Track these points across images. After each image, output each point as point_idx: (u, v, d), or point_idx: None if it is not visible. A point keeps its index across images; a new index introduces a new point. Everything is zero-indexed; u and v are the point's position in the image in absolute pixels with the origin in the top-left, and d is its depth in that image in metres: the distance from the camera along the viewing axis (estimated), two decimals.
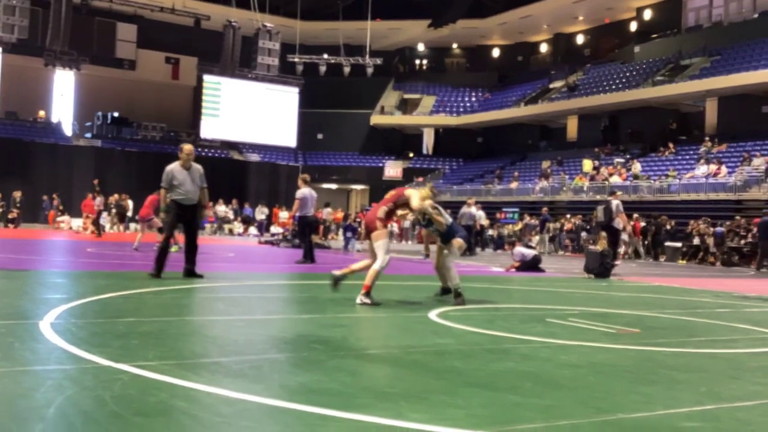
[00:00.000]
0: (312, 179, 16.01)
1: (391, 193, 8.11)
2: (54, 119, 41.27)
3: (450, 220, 8.34)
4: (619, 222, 16.29)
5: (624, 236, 26.27)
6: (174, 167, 9.57)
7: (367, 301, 7.46)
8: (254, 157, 45.08)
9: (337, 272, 7.76)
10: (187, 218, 9.64)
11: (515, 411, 3.46)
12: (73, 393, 3.39)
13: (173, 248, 15.59)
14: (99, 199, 24.09)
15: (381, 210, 7.89)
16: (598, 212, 16.74)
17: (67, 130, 41.02)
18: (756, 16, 34.50)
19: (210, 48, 42.20)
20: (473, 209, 22.69)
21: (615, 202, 16.29)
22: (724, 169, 28.24)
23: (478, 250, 22.22)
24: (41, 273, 9.89)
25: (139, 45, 43.74)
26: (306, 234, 15.33)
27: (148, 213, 16.71)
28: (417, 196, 7.96)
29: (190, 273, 9.71)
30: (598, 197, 31.57)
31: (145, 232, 16.80)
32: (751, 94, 31.62)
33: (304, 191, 14.74)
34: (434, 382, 4.04)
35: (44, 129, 39.53)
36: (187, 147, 9.69)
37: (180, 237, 16.90)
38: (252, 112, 44.18)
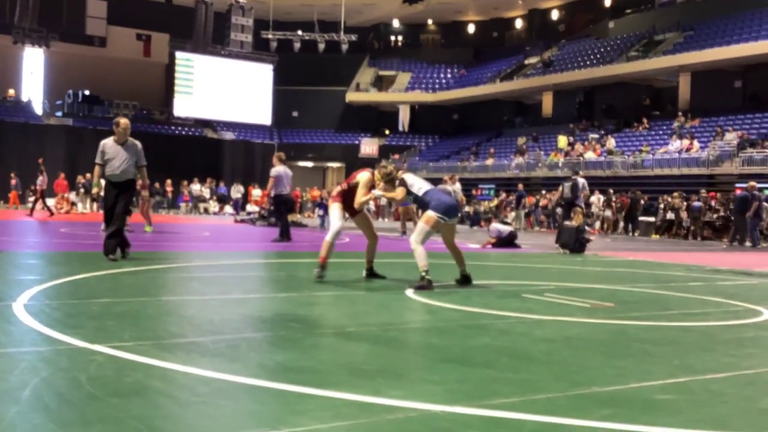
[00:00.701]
0: (287, 157, 15.96)
1: (353, 174, 7.99)
2: (24, 98, 40.61)
3: (426, 188, 7.73)
4: (582, 200, 16.70)
5: (608, 213, 26.53)
6: (107, 141, 9.14)
7: (319, 272, 7.48)
8: (229, 135, 44.74)
9: (363, 272, 8.11)
10: (118, 194, 9.09)
11: (491, 386, 3.49)
12: (48, 375, 3.36)
13: (148, 227, 15.52)
14: (41, 179, 23.71)
15: (335, 189, 8.09)
16: (565, 189, 16.94)
17: (38, 108, 40.38)
18: None
19: (182, 24, 41.66)
20: (448, 185, 22.73)
21: (581, 180, 16.61)
22: (696, 144, 28.53)
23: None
24: (13, 254, 9.77)
25: (109, 21, 43.00)
26: (282, 212, 15.28)
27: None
28: (363, 184, 7.65)
29: (120, 249, 9.14)
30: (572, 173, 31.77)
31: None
32: (723, 70, 31.91)
33: (279, 169, 14.68)
34: (411, 358, 4.07)
35: (14, 108, 38.88)
36: (123, 121, 9.21)
37: (153, 217, 16.86)
38: (226, 90, 43.78)
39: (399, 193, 7.62)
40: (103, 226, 10.28)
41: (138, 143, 9.26)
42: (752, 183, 20.37)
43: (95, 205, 30.70)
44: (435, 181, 24.32)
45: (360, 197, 7.62)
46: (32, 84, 41.65)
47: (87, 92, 41.41)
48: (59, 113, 40.57)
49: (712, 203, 24.15)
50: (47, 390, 3.11)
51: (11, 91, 40.06)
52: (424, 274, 7.19)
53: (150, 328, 4.66)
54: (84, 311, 5.17)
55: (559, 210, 27.71)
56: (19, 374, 3.34)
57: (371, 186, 7.70)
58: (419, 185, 7.73)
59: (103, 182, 9.34)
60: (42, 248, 11.44)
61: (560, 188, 17.79)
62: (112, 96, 42.19)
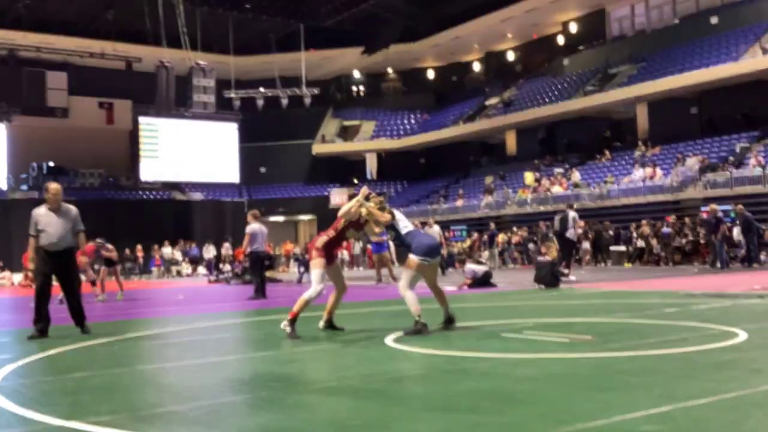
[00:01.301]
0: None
1: (338, 219, 7.95)
2: None
3: (409, 228, 7.64)
4: (573, 233, 17.02)
5: (586, 244, 26.76)
6: (39, 210, 8.55)
7: (288, 329, 7.33)
8: (197, 196, 44.58)
9: (321, 323, 7.84)
10: (59, 267, 8.48)
11: (477, 431, 3.46)
12: None
13: (99, 297, 15.22)
14: None
15: (320, 240, 7.76)
16: (555, 222, 17.42)
17: (2, 183, 39.96)
18: (677, 21, 35.73)
19: (144, 90, 41.69)
20: (435, 228, 22.90)
21: (572, 214, 17.11)
22: (659, 172, 29.03)
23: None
24: (49, 322, 9.58)
25: (70, 92, 42.91)
26: (257, 270, 15.20)
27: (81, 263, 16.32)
28: (347, 205, 7.69)
29: (79, 326, 8.61)
30: (541, 208, 32.09)
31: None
32: (678, 98, 32.66)
33: (254, 226, 14.68)
34: (395, 409, 4.03)
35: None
36: (53, 186, 8.62)
37: (104, 285, 16.53)
38: (192, 151, 43.78)
39: (385, 216, 7.52)
40: (60, 297, 9.87)
41: (73, 208, 8.74)
42: (713, 206, 20.69)
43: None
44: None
45: (348, 206, 7.57)
46: None
47: (51, 164, 41.08)
48: (24, 186, 40.16)
49: (680, 228, 24.49)
50: None
51: None
52: (417, 318, 7.28)
53: (127, 400, 4.57)
54: (58, 387, 5.06)
55: (531, 246, 27.98)
56: None
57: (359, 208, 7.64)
58: (404, 223, 7.69)
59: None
60: (12, 326, 11.21)
61: (549, 222, 18.17)
62: (77, 165, 41.93)
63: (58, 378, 5.52)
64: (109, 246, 16.38)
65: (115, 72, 42.78)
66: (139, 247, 34.78)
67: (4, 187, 39.60)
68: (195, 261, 34.89)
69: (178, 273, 34.23)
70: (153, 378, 5.49)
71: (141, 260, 34.74)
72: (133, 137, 44.16)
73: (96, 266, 16.06)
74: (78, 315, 8.63)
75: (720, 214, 20.20)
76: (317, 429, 3.62)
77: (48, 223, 8.43)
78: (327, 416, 3.91)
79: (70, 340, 7.86)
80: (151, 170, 43.24)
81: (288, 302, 7.68)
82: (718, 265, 19.63)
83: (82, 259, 8.92)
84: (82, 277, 19.80)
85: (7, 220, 35.09)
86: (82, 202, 41.73)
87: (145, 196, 43.07)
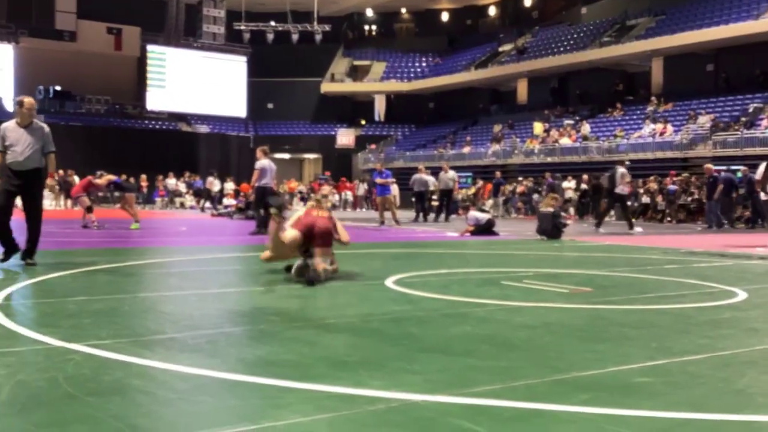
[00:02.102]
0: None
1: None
2: None
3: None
4: (623, 188, 17.20)
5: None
6: (8, 125, 7.92)
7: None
8: (203, 129, 44.43)
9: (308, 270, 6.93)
10: (22, 187, 7.85)
11: (472, 374, 3.50)
12: (25, 376, 3.32)
13: (134, 225, 15.34)
14: None
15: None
16: (604, 178, 17.67)
17: (8, 105, 39.78)
18: None
19: (153, 17, 41.24)
20: (424, 175, 22.86)
21: (621, 170, 17.19)
22: (670, 128, 28.79)
23: (442, 216, 22.36)
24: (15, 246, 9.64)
25: (79, 15, 42.42)
26: (262, 205, 15.18)
27: (77, 191, 16.46)
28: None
29: (26, 255, 7.91)
30: (549, 159, 31.99)
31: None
32: (695, 53, 32.18)
33: (263, 162, 14.65)
34: (391, 349, 4.06)
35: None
36: (28, 100, 8.01)
37: (122, 212, 16.72)
38: (199, 83, 43.46)
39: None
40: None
41: (45, 126, 8.14)
42: (708, 166, 20.57)
43: (69, 202, 30.38)
44: (413, 170, 24.55)
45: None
46: (2, 80, 41.02)
47: (58, 88, 40.89)
48: None
49: (686, 186, 24.39)
50: (24, 391, 3.07)
51: None
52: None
53: (127, 326, 4.62)
54: (60, 310, 5.11)
55: (536, 196, 27.96)
56: None
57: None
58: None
59: None
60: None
61: (601, 177, 18.40)
62: (83, 91, 41.70)
63: (60, 301, 5.57)
64: (98, 181, 16.50)
65: None
66: (143, 176, 34.80)
67: (11, 109, 39.42)
68: (199, 194, 34.92)
69: (182, 205, 34.31)
70: (154, 305, 5.54)
71: (145, 190, 34.81)
72: (140, 65, 43.81)
73: (116, 194, 16.14)
74: (32, 242, 7.94)
75: (716, 174, 20.02)
76: (314, 363, 3.66)
77: (17, 139, 7.80)
78: (324, 351, 3.95)
79: (71, 266, 7.92)
80: (157, 100, 43.00)
81: None
82: (712, 225, 19.56)
83: (50, 183, 8.43)
84: (77, 205, 19.97)
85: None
86: (88, 129, 41.90)
87: (150, 126, 42.94)
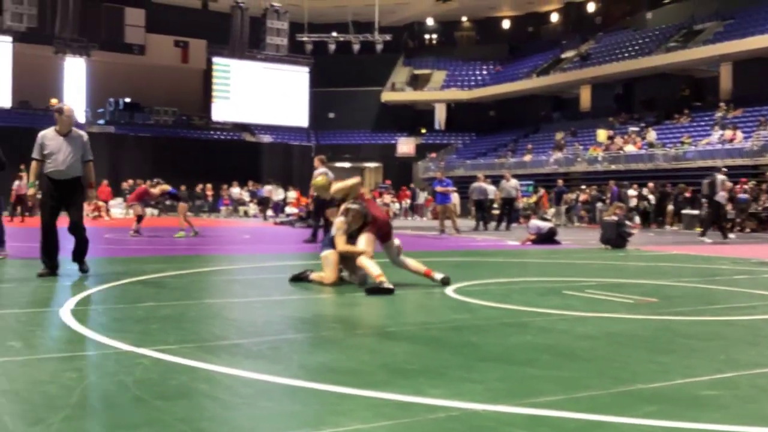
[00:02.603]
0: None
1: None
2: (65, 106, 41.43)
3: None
4: (723, 196, 16.95)
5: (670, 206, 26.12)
6: (46, 133, 7.63)
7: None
8: (267, 138, 45.11)
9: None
10: (63, 198, 7.60)
11: (533, 384, 3.47)
12: (96, 379, 3.43)
13: (179, 234, 15.68)
14: (18, 183, 24.94)
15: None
16: (704, 185, 17.51)
17: (80, 117, 41.17)
18: None
19: (219, 30, 42.12)
20: (483, 184, 22.75)
21: (720, 177, 16.93)
22: (739, 135, 27.95)
23: (503, 225, 22.21)
24: (59, 260, 9.97)
25: (147, 29, 43.67)
26: (320, 214, 15.34)
27: (132, 199, 16.98)
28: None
29: (78, 262, 7.87)
30: (613, 167, 31.40)
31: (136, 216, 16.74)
32: (765, 58, 31.18)
33: (321, 171, 14.76)
34: (452, 357, 4.06)
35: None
36: (67, 108, 7.72)
37: (194, 221, 17.16)
38: (263, 93, 44.16)
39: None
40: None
41: (84, 134, 7.88)
42: None
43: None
44: (474, 179, 24.44)
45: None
46: (74, 93, 42.48)
47: (128, 100, 42.12)
48: (101, 121, 41.33)
49: (760, 194, 23.62)
50: (95, 394, 3.18)
51: (54, 101, 40.90)
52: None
53: (194, 331, 4.73)
54: (129, 315, 5.27)
55: (599, 205, 27.48)
56: (68, 379, 3.42)
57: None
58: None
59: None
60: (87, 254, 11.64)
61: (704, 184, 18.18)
62: (151, 103, 42.86)
63: (129, 307, 5.74)
64: (154, 190, 16.99)
65: (191, 11, 43.26)
66: (209, 186, 35.56)
67: (83, 121, 40.78)
68: (262, 202, 35.48)
69: (245, 213, 34.91)
70: (219, 312, 5.65)
71: (210, 199, 35.56)
72: (206, 77, 44.79)
73: (168, 203, 16.55)
74: (82, 252, 7.84)
75: None
76: (374, 370, 3.68)
77: (57, 148, 7.50)
78: (384, 359, 3.97)
79: (140, 272, 8.14)
80: (222, 110, 43.87)
81: None
82: None
83: (91, 194, 8.14)
84: (129, 212, 20.50)
85: None
86: (156, 139, 42.96)
87: (215, 136, 43.83)
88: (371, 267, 6.82)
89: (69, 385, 3.30)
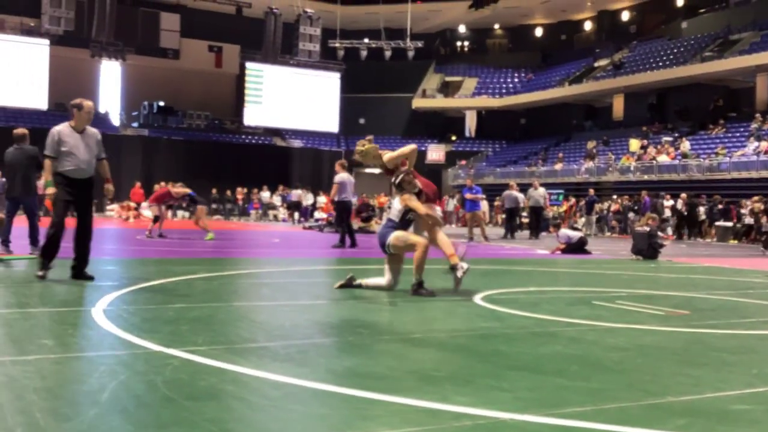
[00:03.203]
0: (355, 164, 16.11)
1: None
2: (101, 109, 42.08)
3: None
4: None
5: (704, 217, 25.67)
6: (62, 129, 7.25)
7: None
8: (297, 143, 45.36)
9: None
10: (79, 196, 7.26)
11: (562, 394, 3.44)
12: (126, 378, 3.48)
13: (209, 236, 15.79)
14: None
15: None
16: None
17: (115, 120, 41.76)
18: None
19: (252, 35, 42.48)
20: (515, 192, 22.65)
21: None
22: None
23: (533, 233, 22.10)
24: (91, 261, 10.11)
25: (182, 34, 44.24)
26: (343, 218, 15.43)
27: (153, 200, 17.00)
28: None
29: (79, 273, 7.30)
30: (645, 177, 31.07)
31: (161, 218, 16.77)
32: None
33: (342, 176, 14.88)
34: (479, 365, 4.04)
35: (92, 120, 40.22)
36: (87, 104, 7.40)
37: (225, 224, 17.32)
38: (294, 99, 44.42)
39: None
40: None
41: (97, 132, 7.58)
42: None
43: (169, 213, 31.57)
44: (503, 187, 24.34)
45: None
46: (109, 96, 43.12)
47: (161, 103, 42.65)
48: (135, 124, 41.89)
49: None
50: (125, 392, 3.22)
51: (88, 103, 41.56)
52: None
53: (223, 333, 4.76)
54: (159, 316, 5.32)
55: (631, 215, 27.20)
56: (99, 377, 3.47)
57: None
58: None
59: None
60: (119, 255, 11.81)
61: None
62: (185, 106, 43.35)
63: (159, 307, 5.80)
64: (176, 190, 17.00)
65: (226, 16, 43.69)
66: (239, 189, 35.84)
67: (117, 123, 41.35)
68: (291, 207, 35.68)
69: (275, 217, 35.11)
70: (247, 314, 5.69)
71: (240, 202, 35.84)
72: (239, 81, 45.17)
73: (185, 205, 16.65)
74: (86, 258, 7.37)
75: None
76: (402, 376, 3.68)
77: (75, 145, 7.18)
78: (412, 366, 3.96)
79: (171, 274, 8.22)
80: (254, 115, 44.21)
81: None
82: None
83: (109, 188, 7.79)
84: (148, 213, 20.64)
85: (119, 155, 36.71)
86: (189, 143, 43.37)
87: (247, 140, 44.18)
88: (446, 246, 7.08)
89: (100, 383, 3.34)
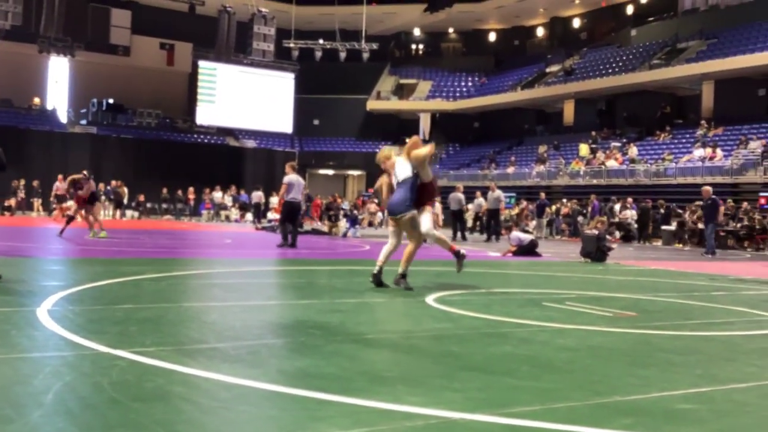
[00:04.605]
0: (308, 165, 16.18)
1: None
2: (49, 106, 41.11)
3: (400, 177, 7.95)
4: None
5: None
6: None
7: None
8: (250, 144, 44.99)
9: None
10: None
11: (512, 394, 3.48)
12: (72, 379, 3.39)
13: (101, 234, 15.05)
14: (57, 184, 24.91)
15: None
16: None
17: (63, 117, 40.84)
18: None
19: (205, 34, 42.00)
20: (460, 194, 22.83)
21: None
22: (719, 153, 28.27)
23: (490, 236, 22.26)
24: (37, 260, 9.87)
25: (133, 31, 43.49)
26: (290, 219, 15.52)
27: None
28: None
29: None
30: (594, 182, 31.63)
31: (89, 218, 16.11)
32: (747, 77, 31.59)
33: (291, 177, 15.18)
34: (431, 366, 4.06)
35: (39, 116, 39.34)
36: None
37: (176, 224, 17.04)
38: (248, 98, 44.05)
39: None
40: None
41: None
42: (706, 188, 19.19)
43: (118, 213, 31.02)
44: (454, 189, 24.49)
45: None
46: (57, 92, 42.16)
47: (111, 101, 41.84)
48: (83, 121, 41.02)
49: (729, 212, 23.86)
50: (70, 394, 3.14)
51: (36, 100, 40.57)
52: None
53: (172, 334, 4.69)
54: (106, 317, 5.22)
55: (580, 218, 27.65)
56: (43, 378, 3.38)
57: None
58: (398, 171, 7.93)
59: None
60: (65, 255, 11.55)
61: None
62: (135, 104, 42.61)
63: (107, 308, 5.69)
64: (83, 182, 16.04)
65: (178, 14, 43.09)
66: (191, 189, 35.40)
67: (64, 120, 40.46)
68: (244, 207, 35.37)
69: (227, 218, 34.76)
70: (198, 315, 5.62)
71: (192, 203, 35.40)
72: (191, 80, 44.62)
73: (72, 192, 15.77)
74: None
75: (715, 197, 18.82)
76: (354, 377, 3.67)
77: None
78: (364, 366, 3.96)
79: (119, 274, 8.07)
80: (207, 114, 43.70)
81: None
82: (708, 252, 18.58)
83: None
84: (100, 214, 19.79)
85: (66, 153, 35.92)
86: (139, 141, 42.68)
87: (199, 140, 43.64)
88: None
89: (44, 385, 3.26)
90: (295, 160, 16.97)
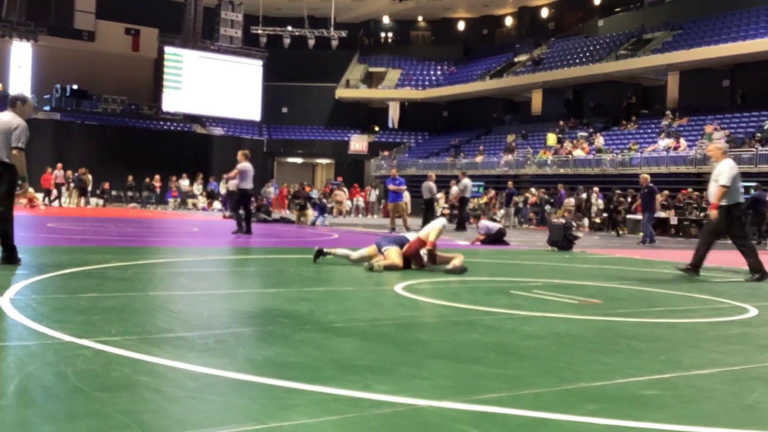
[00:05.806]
0: (277, 153, 16.31)
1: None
2: (11, 92, 40.30)
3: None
4: None
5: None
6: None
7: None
8: (218, 131, 44.61)
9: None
10: None
11: (480, 381, 3.50)
12: (35, 369, 3.34)
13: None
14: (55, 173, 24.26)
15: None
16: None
17: None
18: None
19: (171, 19, 41.50)
20: (431, 182, 22.84)
21: None
22: (683, 143, 28.68)
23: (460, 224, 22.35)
24: None
25: (98, 16, 42.78)
26: (242, 205, 15.72)
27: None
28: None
29: (9, 258, 7.32)
30: (561, 171, 31.92)
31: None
32: (712, 69, 32.07)
33: (244, 164, 15.44)
34: (400, 354, 4.06)
35: (1, 101, 38.55)
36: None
37: (143, 212, 16.88)
38: (215, 85, 43.66)
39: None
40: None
41: (10, 119, 7.58)
42: (644, 176, 19.08)
43: (83, 200, 30.58)
44: (422, 178, 24.55)
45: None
46: (20, 78, 41.35)
47: (75, 86, 41.17)
48: (47, 107, 40.32)
49: (691, 201, 24.26)
50: (33, 384, 3.09)
51: None
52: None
53: (137, 323, 4.64)
54: (71, 306, 5.14)
55: (548, 207, 27.90)
56: (6, 368, 3.32)
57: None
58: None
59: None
60: (28, 243, 11.36)
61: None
62: (100, 90, 41.99)
63: (71, 297, 5.61)
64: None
65: None
66: (157, 177, 35.00)
67: None
68: (211, 196, 35.08)
69: (194, 206, 34.45)
70: (164, 304, 5.56)
71: (158, 190, 35.01)
72: (157, 66, 44.07)
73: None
74: (6, 241, 7.36)
75: (652, 185, 18.75)
76: (322, 365, 3.67)
77: None
78: (332, 355, 3.95)
79: (83, 263, 7.96)
80: (173, 101, 43.22)
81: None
82: (644, 240, 18.57)
83: (24, 182, 7.74)
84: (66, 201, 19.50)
85: (29, 139, 35.21)
86: (103, 128, 42.09)
87: (165, 127, 43.16)
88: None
89: (6, 374, 3.21)
90: (247, 149, 17.17)
